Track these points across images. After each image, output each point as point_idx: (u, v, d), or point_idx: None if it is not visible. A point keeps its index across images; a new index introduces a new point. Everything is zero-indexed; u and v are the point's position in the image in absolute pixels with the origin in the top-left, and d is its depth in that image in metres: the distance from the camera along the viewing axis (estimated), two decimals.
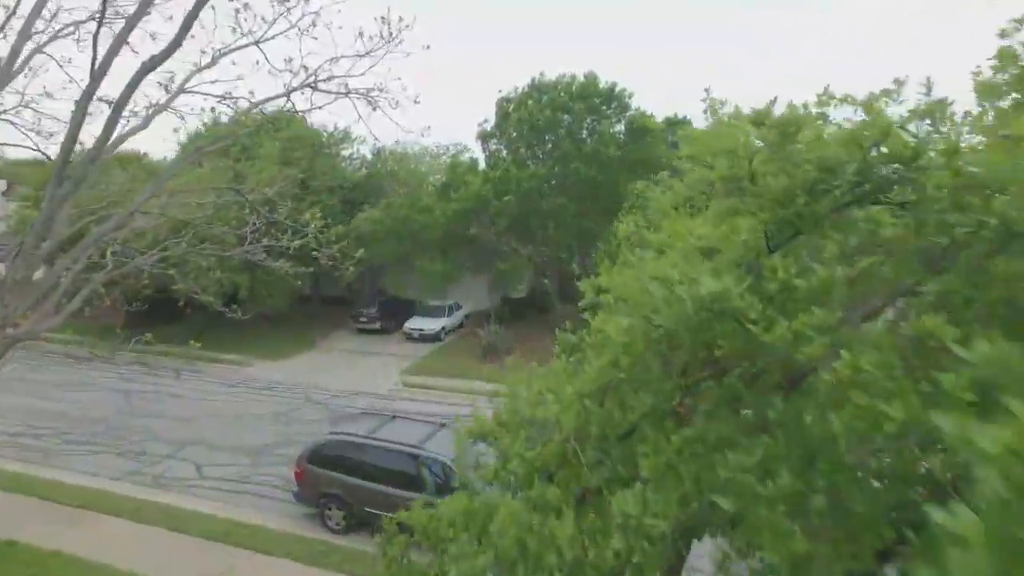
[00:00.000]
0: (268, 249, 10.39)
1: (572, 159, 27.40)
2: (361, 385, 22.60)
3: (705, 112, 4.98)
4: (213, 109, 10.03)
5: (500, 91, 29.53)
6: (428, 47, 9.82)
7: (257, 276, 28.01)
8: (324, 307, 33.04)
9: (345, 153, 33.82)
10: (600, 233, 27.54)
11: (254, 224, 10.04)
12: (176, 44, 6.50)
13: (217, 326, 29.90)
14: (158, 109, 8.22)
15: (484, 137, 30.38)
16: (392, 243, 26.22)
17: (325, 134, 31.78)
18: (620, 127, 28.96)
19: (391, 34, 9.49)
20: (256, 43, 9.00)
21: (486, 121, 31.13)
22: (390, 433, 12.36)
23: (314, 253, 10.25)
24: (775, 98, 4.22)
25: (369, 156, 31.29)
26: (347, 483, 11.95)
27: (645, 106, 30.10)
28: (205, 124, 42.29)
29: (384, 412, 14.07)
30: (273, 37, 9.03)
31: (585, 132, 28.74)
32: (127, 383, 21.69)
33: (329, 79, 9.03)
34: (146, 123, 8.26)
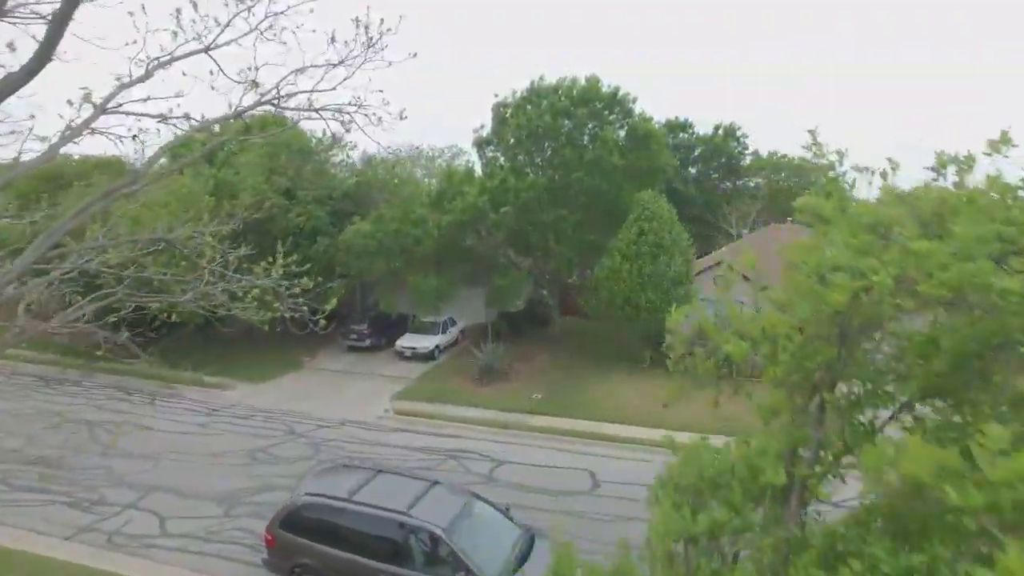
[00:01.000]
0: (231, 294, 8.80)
1: (573, 168, 25.91)
2: (349, 412, 21.06)
3: (811, 158, 3.77)
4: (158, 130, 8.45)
5: (496, 95, 28.05)
6: (415, 55, 8.29)
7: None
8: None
9: (336, 159, 32.31)
10: (603, 245, 26.12)
11: (206, 268, 8.44)
12: (42, 58, 4.94)
13: (200, 345, 28.52)
14: (70, 134, 6.65)
15: (480, 144, 28.86)
16: (382, 258, 24.65)
17: (314, 139, 30.22)
18: (622, 133, 27.46)
19: (370, 40, 7.99)
20: (206, 50, 7.46)
21: (482, 127, 29.64)
22: (374, 493, 10.81)
23: (275, 306, 8.63)
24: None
25: (359, 164, 29.57)
26: (324, 553, 10.41)
27: (646, 111, 28.68)
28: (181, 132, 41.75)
29: (369, 466, 12.51)
30: (227, 43, 7.49)
31: (586, 138, 27.26)
32: (96, 412, 20.11)
33: (291, 95, 7.49)
34: (52, 152, 6.70)
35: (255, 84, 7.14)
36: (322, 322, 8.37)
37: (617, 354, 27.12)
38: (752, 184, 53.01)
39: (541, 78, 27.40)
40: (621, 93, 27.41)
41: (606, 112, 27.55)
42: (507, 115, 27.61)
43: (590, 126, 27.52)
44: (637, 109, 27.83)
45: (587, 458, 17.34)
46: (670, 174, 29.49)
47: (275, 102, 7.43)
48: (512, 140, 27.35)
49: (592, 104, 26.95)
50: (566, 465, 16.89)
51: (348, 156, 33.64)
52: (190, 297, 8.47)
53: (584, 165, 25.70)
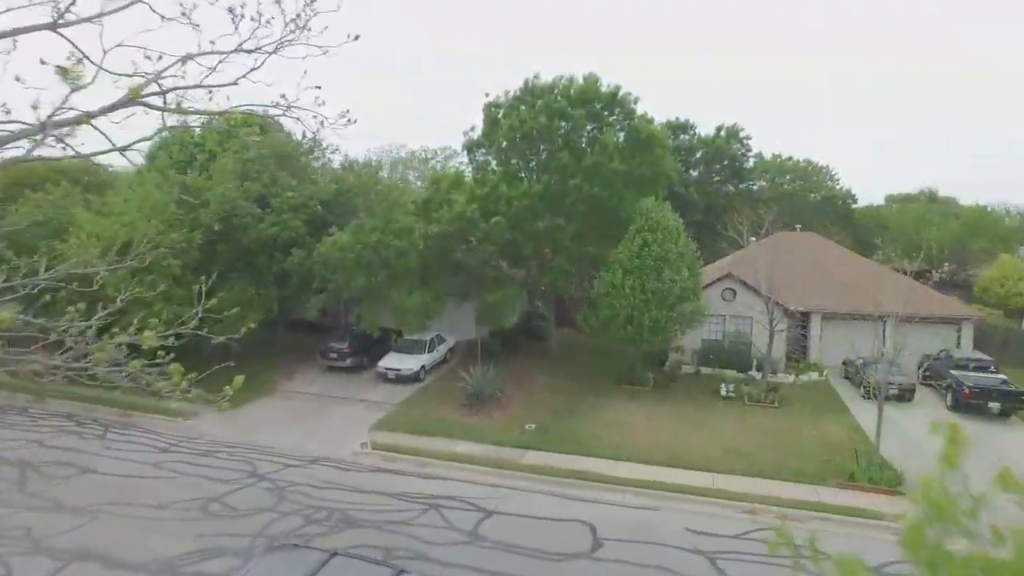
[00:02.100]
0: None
1: (570, 173, 23.83)
2: (322, 446, 18.94)
3: None
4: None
5: (487, 95, 25.96)
6: (357, 38, 6.21)
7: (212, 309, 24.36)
8: (291, 335, 29.44)
9: (317, 163, 30.17)
10: (602, 257, 24.07)
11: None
12: None
13: (170, 362, 26.15)
14: None
15: (471, 147, 26.75)
16: (362, 272, 22.52)
17: (293, 142, 28.06)
18: (623, 136, 25.36)
19: (294, 20, 5.92)
20: (53, 27, 5.34)
21: (473, 129, 27.57)
22: None
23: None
24: None
25: (342, 168, 27.39)
26: None
27: (647, 112, 26.60)
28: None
29: (321, 548, 10.38)
30: (84, 20, 5.38)
31: (584, 141, 25.21)
32: (36, 449, 17.94)
33: (171, 90, 5.40)
34: None
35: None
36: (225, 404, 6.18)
37: (617, 374, 25.08)
38: (755, 187, 51.03)
39: (536, 76, 25.35)
40: (622, 93, 25.36)
41: (605, 113, 25.51)
42: (499, 116, 25.56)
43: (588, 128, 25.50)
44: (639, 110, 25.81)
45: (586, 507, 15.24)
46: (674, 180, 27.35)
47: (143, 97, 5.28)
48: (504, 143, 25.28)
49: (591, 105, 24.91)
50: (563, 516, 14.78)
51: (329, 160, 31.56)
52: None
53: (582, 171, 23.64)
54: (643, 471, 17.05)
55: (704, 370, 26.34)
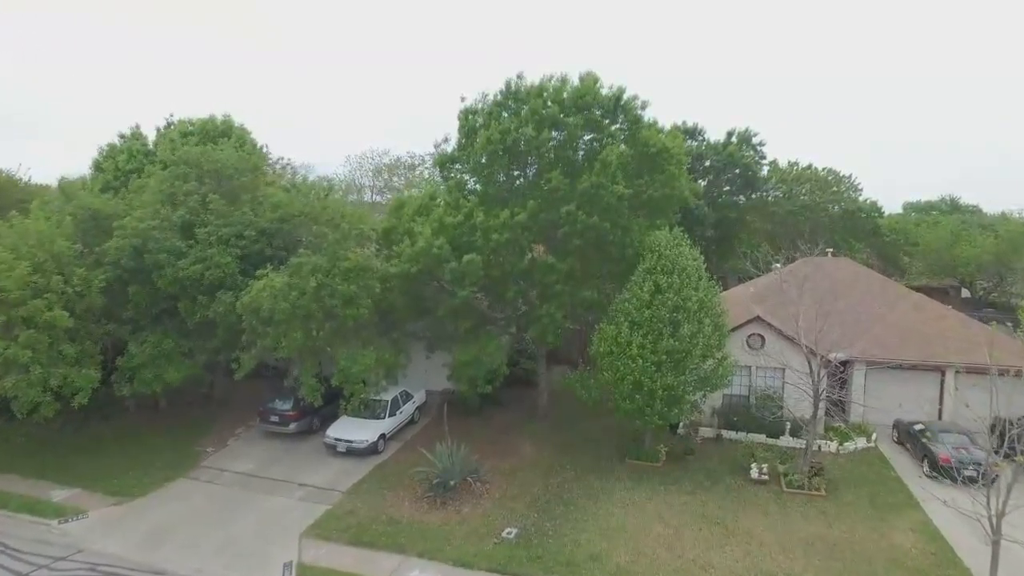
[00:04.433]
0: None
1: (563, 198, 19.14)
2: (232, 567, 14.28)
3: None
4: None
5: (463, 98, 21.24)
6: None
7: (122, 363, 19.65)
8: (245, 383, 24.48)
9: (269, 182, 25.45)
10: (603, 303, 19.39)
11: None
12: None
13: (77, 426, 21.63)
14: None
15: (443, 163, 22.02)
16: (299, 325, 17.83)
17: (241, 155, 23.33)
18: (624, 148, 20.61)
19: None
20: None
21: (446, 141, 22.89)
22: None
23: None
24: None
25: (285, 190, 22.61)
26: None
27: (657, 120, 21.90)
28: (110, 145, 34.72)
29: None
30: None
31: (581, 157, 20.52)
32: None
33: None
34: None
35: None
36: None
37: (619, 443, 20.47)
38: (770, 198, 46.31)
39: (520, 76, 20.60)
40: (626, 97, 20.60)
41: (606, 121, 20.77)
42: (476, 125, 20.82)
43: (586, 139, 20.83)
44: (646, 116, 21.11)
45: None
46: (690, 204, 22.67)
47: None
48: (483, 159, 20.51)
49: (589, 111, 20.18)
50: None
51: (282, 172, 26.80)
52: None
53: (577, 195, 18.94)
54: None
55: (726, 434, 21.68)
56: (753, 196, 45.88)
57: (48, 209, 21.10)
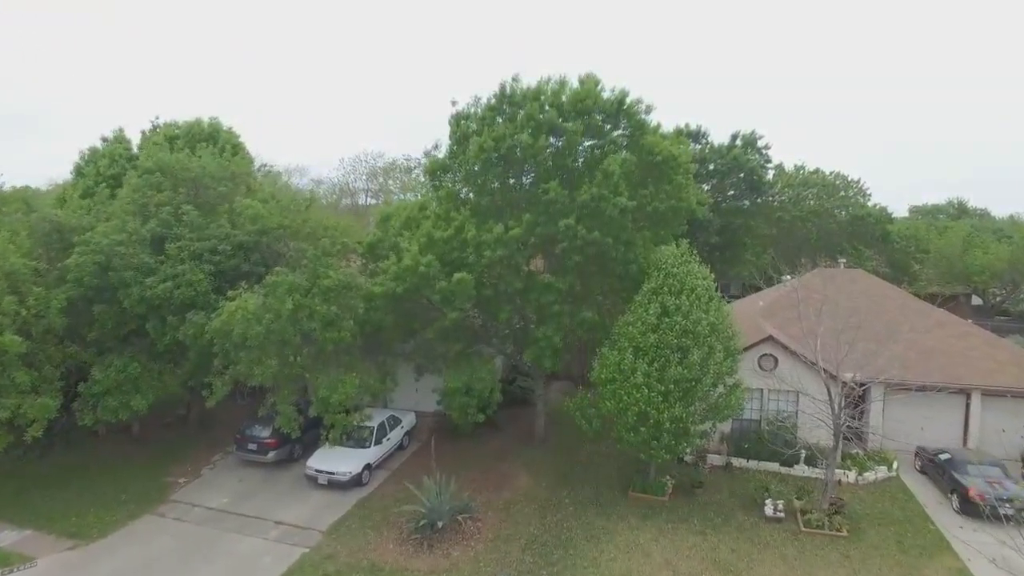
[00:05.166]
0: None
1: (562, 210, 17.70)
2: None
3: None
4: None
5: (454, 103, 19.80)
6: None
7: (87, 389, 18.18)
8: (227, 404, 22.95)
9: (249, 190, 23.96)
10: (605, 326, 17.95)
11: None
12: None
13: (45, 450, 20.17)
14: None
15: (433, 171, 20.55)
16: (274, 351, 16.39)
17: (202, 165, 21.82)
18: (630, 156, 19.17)
19: None
20: None
21: (436, 147, 21.44)
22: None
23: None
24: None
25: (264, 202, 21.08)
26: None
27: (662, 124, 20.46)
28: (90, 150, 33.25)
29: None
30: None
31: (581, 165, 19.08)
32: None
33: None
34: None
35: None
36: None
37: (622, 472, 19.09)
38: (775, 203, 44.90)
39: (515, 79, 19.13)
40: (629, 100, 19.13)
41: (608, 127, 19.33)
42: (469, 130, 19.37)
43: (585, 145, 19.39)
44: (651, 121, 19.66)
45: None
46: (699, 216, 21.23)
47: None
48: (475, 167, 19.07)
49: (589, 116, 18.73)
50: None
51: (264, 179, 25.31)
52: None
53: (577, 207, 17.50)
54: None
55: (737, 462, 20.24)
56: (758, 201, 44.51)
57: (6, 221, 19.65)
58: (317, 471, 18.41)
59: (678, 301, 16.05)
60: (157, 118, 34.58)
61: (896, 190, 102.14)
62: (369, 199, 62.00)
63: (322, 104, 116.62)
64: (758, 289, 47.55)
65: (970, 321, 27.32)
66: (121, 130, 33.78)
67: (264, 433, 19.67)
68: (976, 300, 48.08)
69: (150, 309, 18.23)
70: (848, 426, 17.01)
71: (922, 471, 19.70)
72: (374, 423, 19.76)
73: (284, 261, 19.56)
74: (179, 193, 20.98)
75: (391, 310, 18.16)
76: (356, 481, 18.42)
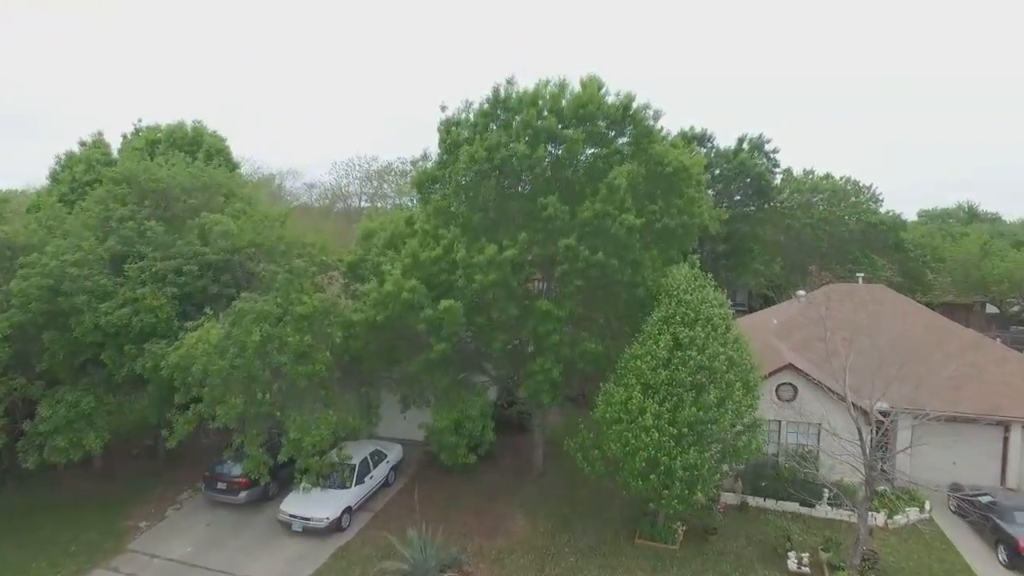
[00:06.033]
0: None
1: (561, 228, 15.96)
2: None
3: None
4: None
5: (443, 108, 18.05)
6: None
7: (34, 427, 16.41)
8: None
9: (222, 202, 22.16)
10: (609, 357, 16.19)
11: None
12: None
13: None
14: None
15: (421, 184, 18.80)
16: (240, 389, 14.63)
17: (172, 175, 20.06)
18: (636, 167, 17.41)
19: None
20: None
21: (425, 157, 19.79)
22: None
23: None
24: None
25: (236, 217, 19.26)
26: None
27: (670, 132, 18.71)
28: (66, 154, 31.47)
29: None
30: None
31: (582, 176, 17.31)
32: None
33: None
34: None
35: None
36: None
37: (627, 513, 17.34)
38: (784, 208, 43.11)
39: (510, 81, 17.38)
40: (636, 105, 17.37)
41: (612, 134, 17.61)
42: (459, 138, 17.62)
43: (588, 154, 17.65)
44: (659, 127, 17.93)
45: None
46: (712, 232, 19.48)
47: None
48: (465, 179, 17.34)
49: (592, 122, 17.00)
50: None
51: (253, 181, 23.50)
52: None
53: (578, 225, 15.75)
54: None
55: (753, 500, 18.50)
56: (766, 207, 42.78)
57: None
58: (291, 516, 16.63)
59: (692, 333, 14.28)
60: (139, 121, 32.95)
61: (896, 190, 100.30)
62: (364, 203, 60.35)
63: (322, 104, 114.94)
64: (766, 298, 45.93)
65: (999, 340, 25.59)
66: (100, 133, 32.07)
67: (235, 471, 17.86)
68: (991, 308, 46.39)
69: (107, 337, 16.47)
70: (881, 469, 15.26)
71: (958, 513, 17.94)
72: (356, 460, 17.99)
73: (257, 282, 17.79)
74: (145, 206, 19.28)
75: (372, 339, 16.40)
76: (335, 527, 16.65)
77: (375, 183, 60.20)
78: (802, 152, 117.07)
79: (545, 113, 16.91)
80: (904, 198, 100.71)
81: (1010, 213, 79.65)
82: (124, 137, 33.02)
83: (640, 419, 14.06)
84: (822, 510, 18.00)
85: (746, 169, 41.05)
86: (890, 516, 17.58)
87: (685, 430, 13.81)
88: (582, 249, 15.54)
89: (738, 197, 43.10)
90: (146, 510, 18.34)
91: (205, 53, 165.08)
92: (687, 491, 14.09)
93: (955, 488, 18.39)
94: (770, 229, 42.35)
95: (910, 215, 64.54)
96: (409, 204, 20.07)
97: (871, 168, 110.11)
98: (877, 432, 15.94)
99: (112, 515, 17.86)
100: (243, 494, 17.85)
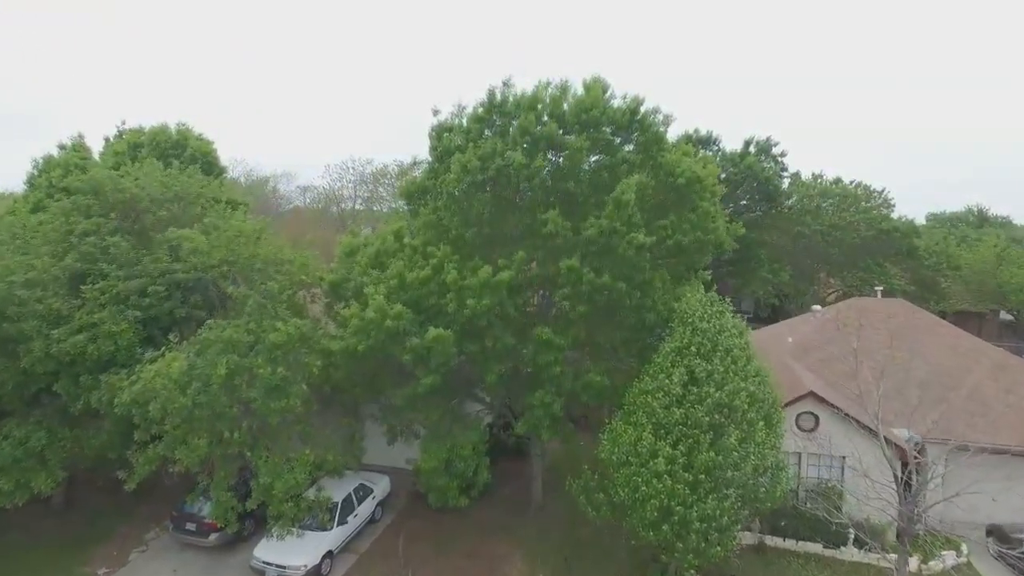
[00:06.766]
0: None
1: (562, 247, 14.41)
2: None
3: None
4: None
5: (436, 112, 16.48)
6: None
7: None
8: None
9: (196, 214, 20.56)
10: (618, 389, 14.63)
11: None
12: None
13: None
14: None
15: (410, 195, 17.24)
16: (204, 429, 13.06)
17: (140, 185, 18.47)
18: (645, 178, 15.85)
19: None
20: None
21: (415, 165, 18.28)
22: None
23: None
24: None
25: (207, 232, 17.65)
26: None
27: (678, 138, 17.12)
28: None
29: None
30: None
31: (586, 186, 15.72)
32: None
33: None
34: None
35: None
36: None
37: (635, 556, 15.79)
38: (793, 215, 41.57)
39: (507, 83, 15.81)
40: (644, 110, 15.78)
41: (618, 141, 16.03)
42: (451, 145, 16.05)
43: (592, 162, 16.09)
44: (670, 135, 16.39)
45: None
46: (727, 250, 17.92)
47: None
48: (457, 191, 15.76)
49: (596, 128, 15.40)
50: None
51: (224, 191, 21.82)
52: None
53: (582, 244, 14.20)
54: None
55: (771, 541, 16.96)
56: (773, 212, 41.26)
57: None
58: (265, 563, 15.05)
59: (710, 367, 12.74)
60: (123, 123, 31.40)
61: (896, 190, 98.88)
62: (359, 205, 58.86)
63: (322, 104, 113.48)
64: (773, 307, 44.40)
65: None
66: (81, 136, 30.51)
67: (205, 511, 16.25)
68: (1005, 316, 44.93)
69: (60, 366, 14.90)
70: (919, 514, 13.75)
71: (1000, 558, 16.37)
72: (338, 497, 16.43)
73: (232, 303, 16.23)
74: (111, 219, 17.72)
75: (354, 369, 14.85)
76: (315, 573, 15.09)
77: (370, 186, 58.74)
78: (802, 152, 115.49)
79: (545, 118, 15.35)
80: (904, 198, 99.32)
81: (1016, 215, 78.08)
82: (107, 140, 31.55)
83: (651, 463, 12.50)
84: (848, 552, 16.46)
85: (753, 173, 39.56)
86: (924, 561, 16.04)
87: (702, 476, 12.25)
88: (586, 271, 13.98)
89: (745, 202, 41.63)
90: (108, 552, 16.76)
91: (205, 53, 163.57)
92: (704, 544, 12.54)
93: (995, 530, 16.86)
94: (777, 235, 40.86)
95: (911, 216, 63.14)
96: (405, 209, 18.31)
97: (871, 168, 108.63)
98: (905, 470, 14.46)
99: (69, 560, 16.27)
100: (214, 536, 16.24)
